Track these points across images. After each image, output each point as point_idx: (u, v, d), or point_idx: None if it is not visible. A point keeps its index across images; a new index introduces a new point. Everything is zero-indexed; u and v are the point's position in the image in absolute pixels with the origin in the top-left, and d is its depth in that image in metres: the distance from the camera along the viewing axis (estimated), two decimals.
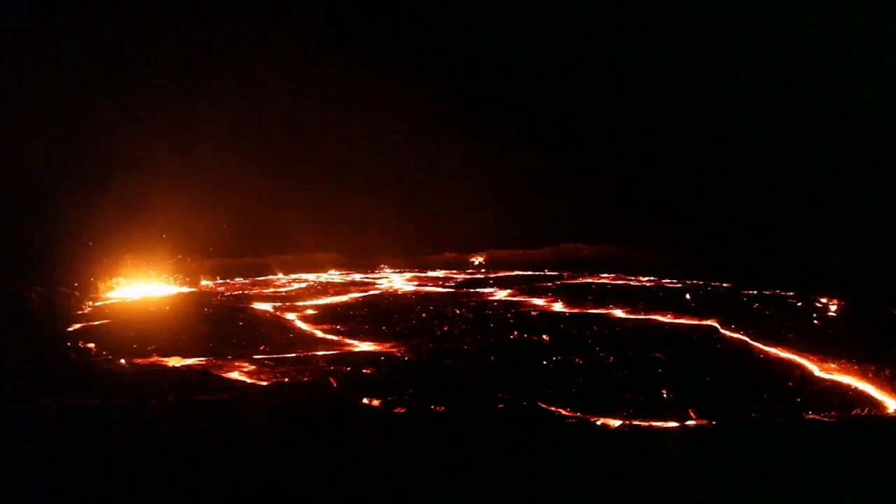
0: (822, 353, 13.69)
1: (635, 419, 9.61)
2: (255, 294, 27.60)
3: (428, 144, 44.84)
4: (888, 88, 33.76)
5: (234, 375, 12.75)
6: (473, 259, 42.99)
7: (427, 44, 45.12)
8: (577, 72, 44.60)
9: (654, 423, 9.47)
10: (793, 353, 13.98)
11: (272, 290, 29.30)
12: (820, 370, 12.76)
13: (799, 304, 21.37)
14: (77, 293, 23.37)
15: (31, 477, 6.68)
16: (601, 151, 44.92)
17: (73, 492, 6.44)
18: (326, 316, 20.90)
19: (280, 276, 36.01)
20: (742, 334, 16.13)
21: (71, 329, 18.12)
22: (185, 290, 29.41)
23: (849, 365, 12.78)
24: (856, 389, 11.47)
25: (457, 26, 44.96)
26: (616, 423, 9.55)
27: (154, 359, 14.15)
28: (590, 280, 31.47)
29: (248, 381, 12.33)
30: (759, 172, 39.83)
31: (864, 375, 12.07)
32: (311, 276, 35.84)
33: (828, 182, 35.68)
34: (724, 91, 40.99)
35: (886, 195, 32.67)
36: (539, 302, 23.46)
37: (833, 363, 13.03)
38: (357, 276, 35.86)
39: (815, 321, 18.51)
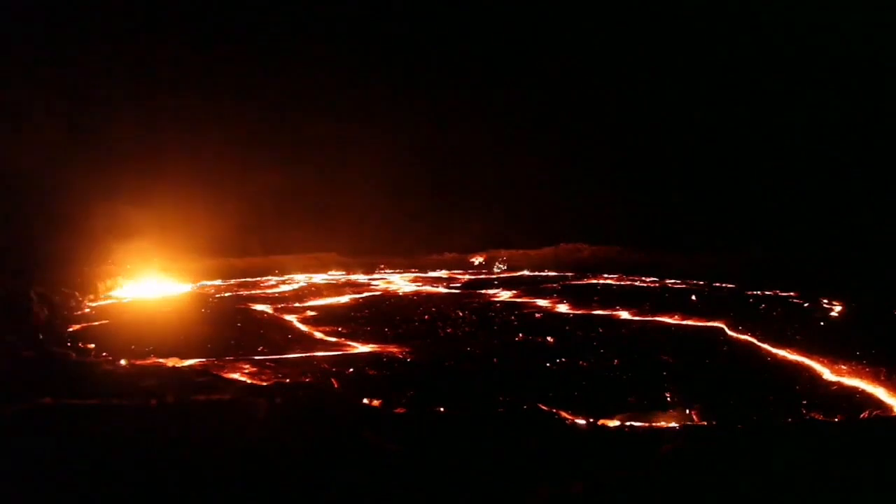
0: (832, 355, 13.54)
1: (636, 421, 9.56)
2: (253, 295, 27.45)
3: (428, 145, 44.83)
4: (889, 92, 33.68)
5: (235, 376, 12.65)
6: (473, 259, 42.88)
7: (428, 44, 45.11)
8: (577, 72, 44.55)
9: (654, 425, 9.45)
10: (802, 356, 13.85)
11: (271, 290, 29.13)
12: (830, 373, 12.63)
13: (805, 304, 21.22)
14: (77, 293, 23.25)
15: (31, 477, 6.57)
16: (601, 151, 44.88)
17: (73, 491, 6.33)
18: (327, 317, 20.73)
19: (279, 276, 35.87)
20: (750, 336, 16.02)
21: (71, 329, 18.01)
22: (185, 290, 29.27)
23: (859, 367, 12.63)
24: (865, 392, 11.34)
25: (458, 27, 44.97)
26: (615, 424, 9.49)
27: (153, 359, 14.04)
28: (594, 281, 31.31)
29: (249, 381, 12.23)
30: (760, 172, 39.76)
31: (875, 378, 11.91)
32: (312, 277, 35.70)
33: (830, 182, 35.56)
34: (727, 92, 40.97)
35: (889, 196, 32.54)
36: (543, 303, 23.32)
37: (843, 365, 12.88)
38: (357, 277, 35.72)
39: (823, 323, 18.38)
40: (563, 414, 9.94)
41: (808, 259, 30.20)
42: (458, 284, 31.21)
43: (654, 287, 27.86)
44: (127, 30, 37.51)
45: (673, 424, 9.52)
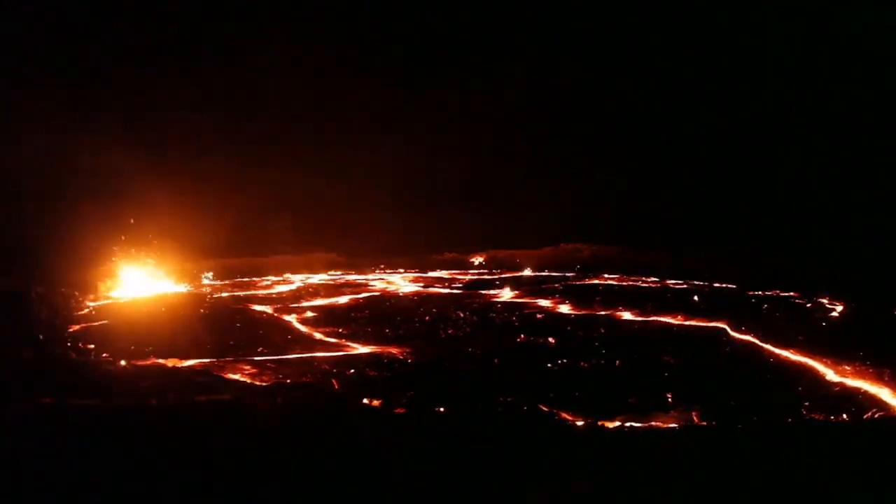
0: (835, 355, 13.49)
1: (636, 422, 9.54)
2: (253, 295, 27.43)
3: (428, 145, 44.80)
4: (889, 92, 33.62)
5: (235, 376, 12.61)
6: (473, 259, 42.81)
7: (428, 43, 45.07)
8: (576, 72, 44.50)
9: (654, 425, 9.42)
10: (805, 356, 13.80)
11: (270, 290, 29.09)
12: (833, 373, 12.58)
13: (808, 305, 21.17)
14: (77, 293, 23.22)
15: (31, 477, 6.55)
16: (601, 151, 44.80)
17: (73, 492, 6.31)
18: (327, 317, 20.68)
19: (278, 276, 35.81)
20: (752, 336, 15.95)
21: (71, 329, 17.98)
22: (184, 290, 29.23)
23: (863, 368, 12.59)
24: (868, 393, 11.27)
25: (458, 26, 44.96)
26: (616, 424, 9.46)
27: (153, 359, 14.00)
28: (596, 281, 31.26)
29: (249, 382, 12.20)
30: (761, 172, 39.69)
31: (879, 379, 11.87)
32: (311, 277, 35.66)
33: (830, 182, 35.51)
34: (726, 91, 40.91)
35: (890, 196, 32.47)
36: (545, 303, 23.28)
37: (847, 366, 12.82)
38: (357, 277, 35.68)
39: (826, 323, 18.33)
40: (564, 415, 9.92)
41: (808, 259, 30.13)
42: (459, 285, 31.14)
43: (656, 287, 27.79)
44: (127, 28, 37.53)
45: (673, 425, 9.49)
